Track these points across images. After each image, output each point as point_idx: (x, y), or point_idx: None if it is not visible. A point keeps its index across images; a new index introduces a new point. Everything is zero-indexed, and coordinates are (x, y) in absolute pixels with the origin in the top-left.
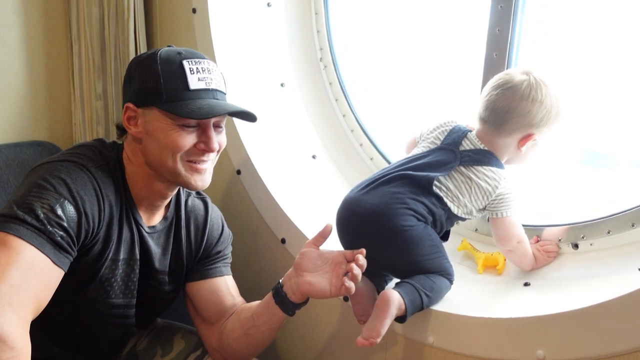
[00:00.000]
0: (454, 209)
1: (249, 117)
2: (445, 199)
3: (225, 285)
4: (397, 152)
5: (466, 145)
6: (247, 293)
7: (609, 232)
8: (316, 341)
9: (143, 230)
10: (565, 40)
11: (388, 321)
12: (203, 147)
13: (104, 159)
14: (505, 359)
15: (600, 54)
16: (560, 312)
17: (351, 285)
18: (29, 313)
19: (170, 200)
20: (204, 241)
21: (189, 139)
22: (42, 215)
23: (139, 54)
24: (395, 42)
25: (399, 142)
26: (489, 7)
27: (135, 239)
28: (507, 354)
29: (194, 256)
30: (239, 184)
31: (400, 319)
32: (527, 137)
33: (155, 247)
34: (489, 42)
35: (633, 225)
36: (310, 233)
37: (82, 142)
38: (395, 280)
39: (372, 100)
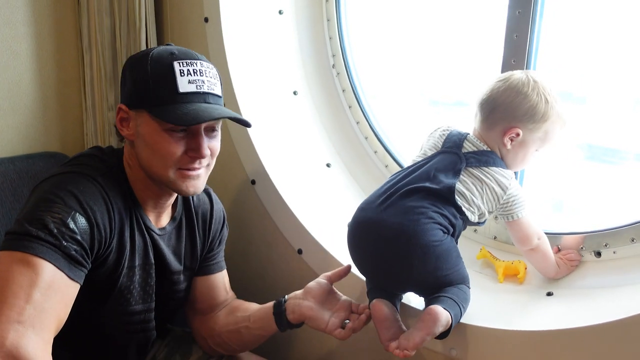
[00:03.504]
0: (470, 216)
1: (242, 122)
2: (463, 208)
3: (222, 281)
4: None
5: (468, 147)
6: (262, 303)
7: (633, 240)
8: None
9: (154, 234)
10: (580, 39)
11: (429, 338)
12: (193, 154)
13: (107, 166)
14: None
15: (609, 50)
16: (588, 325)
17: (346, 335)
18: (51, 333)
19: (177, 199)
20: (210, 234)
21: (178, 146)
22: (55, 230)
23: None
24: (410, 47)
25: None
26: (506, 12)
27: (148, 243)
28: None
29: (205, 250)
30: (253, 194)
31: (440, 335)
32: (509, 130)
33: (167, 249)
34: (506, 48)
35: None
36: (327, 243)
37: (80, 152)
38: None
39: (386, 106)
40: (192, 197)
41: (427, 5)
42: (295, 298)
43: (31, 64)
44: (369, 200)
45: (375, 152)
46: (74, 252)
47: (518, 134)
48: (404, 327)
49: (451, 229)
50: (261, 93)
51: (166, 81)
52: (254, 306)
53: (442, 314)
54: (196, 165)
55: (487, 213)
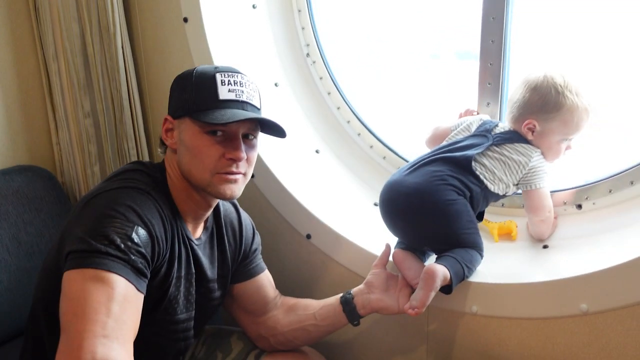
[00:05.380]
0: (490, 186)
1: (277, 131)
2: (481, 177)
3: (267, 280)
4: (396, 138)
5: (497, 130)
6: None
7: (610, 191)
8: None
9: (193, 244)
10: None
11: (433, 293)
12: (230, 156)
13: (154, 180)
14: (550, 316)
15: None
16: (598, 269)
17: (415, 312)
18: (131, 343)
19: None
20: (242, 242)
21: (216, 149)
22: (122, 246)
23: (127, 67)
24: (384, 25)
25: (396, 127)
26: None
27: (190, 254)
28: (552, 311)
29: (236, 259)
30: (253, 187)
31: (446, 289)
32: (526, 123)
33: (204, 258)
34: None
35: (632, 183)
36: (336, 225)
37: (123, 167)
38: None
39: (366, 88)
40: (220, 208)
41: None
42: (361, 294)
43: None
44: (400, 169)
45: (359, 134)
46: (140, 265)
47: (534, 125)
48: (424, 264)
49: (468, 193)
50: None
51: (208, 89)
52: (314, 303)
53: (438, 270)
54: (234, 169)
55: (511, 185)
